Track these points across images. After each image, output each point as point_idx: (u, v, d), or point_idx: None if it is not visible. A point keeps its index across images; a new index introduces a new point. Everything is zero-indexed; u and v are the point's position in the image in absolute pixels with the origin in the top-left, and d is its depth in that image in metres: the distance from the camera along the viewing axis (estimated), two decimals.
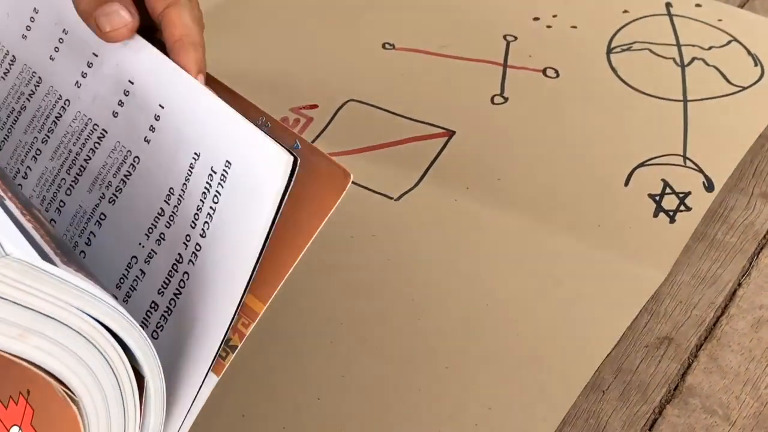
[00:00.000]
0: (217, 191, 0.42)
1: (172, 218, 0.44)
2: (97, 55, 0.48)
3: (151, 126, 0.45)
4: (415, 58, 0.86)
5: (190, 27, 0.47)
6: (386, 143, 0.77)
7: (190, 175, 0.43)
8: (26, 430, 0.42)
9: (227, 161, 0.42)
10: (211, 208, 0.42)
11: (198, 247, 0.42)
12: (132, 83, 0.47)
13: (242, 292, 0.41)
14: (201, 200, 0.42)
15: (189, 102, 0.44)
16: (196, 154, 0.43)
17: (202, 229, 0.42)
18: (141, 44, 0.47)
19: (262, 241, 0.40)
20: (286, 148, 0.40)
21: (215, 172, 0.42)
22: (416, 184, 0.73)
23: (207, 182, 0.42)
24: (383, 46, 0.87)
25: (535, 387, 0.58)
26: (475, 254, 0.67)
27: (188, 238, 0.43)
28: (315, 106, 0.80)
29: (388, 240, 0.68)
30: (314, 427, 0.56)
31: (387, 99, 0.81)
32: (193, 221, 0.43)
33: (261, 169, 0.40)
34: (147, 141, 0.45)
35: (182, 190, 0.43)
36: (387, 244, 0.68)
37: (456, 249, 0.67)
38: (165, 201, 0.44)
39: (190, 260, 0.43)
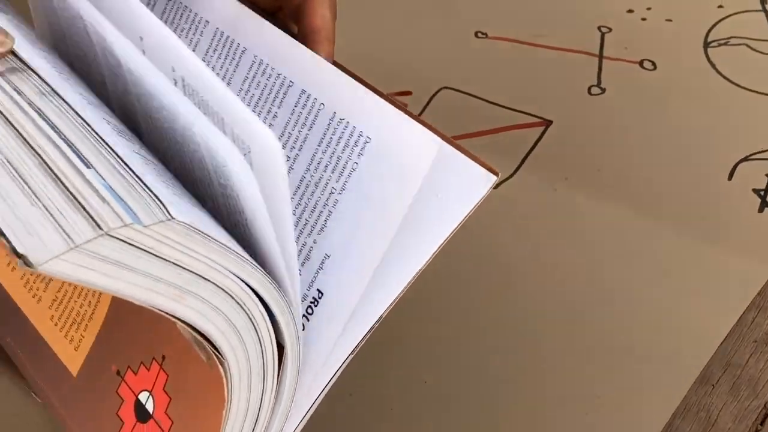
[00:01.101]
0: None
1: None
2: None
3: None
4: (508, 47, 0.85)
5: (327, 20, 0.48)
6: (482, 131, 0.76)
7: None
8: (158, 395, 0.42)
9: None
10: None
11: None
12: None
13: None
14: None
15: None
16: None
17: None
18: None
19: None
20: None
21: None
22: (514, 173, 0.72)
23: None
24: (476, 34, 0.87)
25: (644, 379, 0.57)
26: (578, 244, 0.66)
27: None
28: (408, 93, 0.80)
29: (487, 229, 0.68)
30: (421, 410, 0.56)
31: (481, 87, 0.80)
32: None
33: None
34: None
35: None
36: (485, 232, 0.67)
37: (557, 239, 0.67)
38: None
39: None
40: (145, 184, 0.35)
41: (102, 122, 0.39)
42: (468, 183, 0.42)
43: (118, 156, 0.36)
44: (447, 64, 0.83)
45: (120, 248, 0.32)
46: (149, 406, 0.42)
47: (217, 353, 0.36)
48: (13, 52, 0.41)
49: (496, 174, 0.42)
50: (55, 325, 0.48)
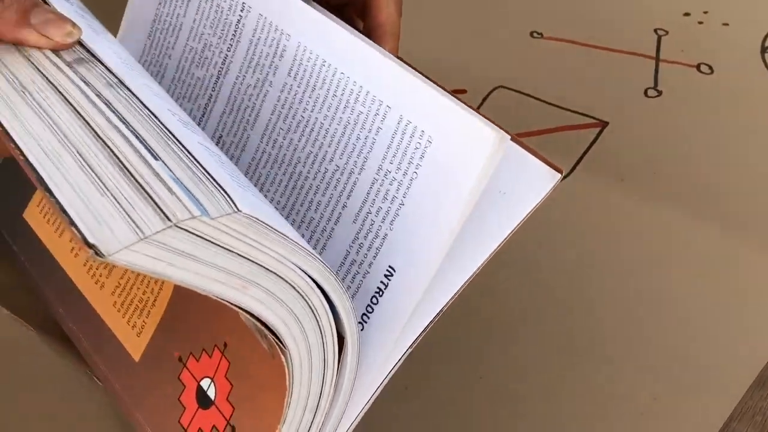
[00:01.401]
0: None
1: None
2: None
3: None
4: (564, 47, 0.85)
5: (393, 15, 0.49)
6: (537, 131, 0.76)
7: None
8: (219, 382, 0.43)
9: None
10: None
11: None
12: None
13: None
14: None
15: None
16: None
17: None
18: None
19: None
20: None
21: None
22: (569, 173, 0.73)
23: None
24: (531, 34, 0.87)
25: (700, 381, 0.57)
26: (633, 246, 0.66)
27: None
28: (464, 91, 0.80)
29: (542, 228, 0.68)
30: (475, 405, 0.56)
31: (536, 87, 0.81)
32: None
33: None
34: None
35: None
36: (540, 231, 0.68)
37: (612, 239, 0.67)
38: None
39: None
40: (211, 176, 0.35)
41: (167, 113, 0.40)
42: (532, 180, 0.43)
43: (185, 147, 0.37)
44: (502, 64, 0.84)
45: (187, 239, 0.33)
46: (211, 393, 0.43)
47: (278, 342, 0.37)
48: (80, 43, 0.42)
49: (560, 171, 0.43)
50: (118, 311, 0.49)
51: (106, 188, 0.34)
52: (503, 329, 0.61)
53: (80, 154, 0.35)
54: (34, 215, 0.57)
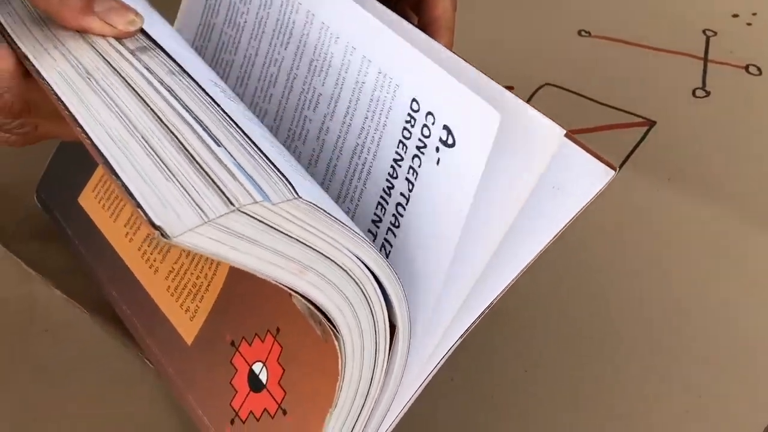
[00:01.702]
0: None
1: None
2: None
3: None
4: (612, 46, 0.85)
5: (448, 9, 0.49)
6: (584, 129, 0.77)
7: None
8: (272, 367, 0.44)
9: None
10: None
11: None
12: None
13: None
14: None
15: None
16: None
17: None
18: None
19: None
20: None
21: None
22: (617, 171, 0.73)
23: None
24: (579, 33, 0.87)
25: (746, 381, 0.57)
26: (683, 246, 0.66)
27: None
28: (511, 88, 0.80)
29: (587, 225, 0.68)
30: (519, 399, 0.57)
31: (583, 85, 0.81)
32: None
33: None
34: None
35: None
36: (586, 229, 0.68)
37: (658, 239, 0.67)
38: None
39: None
40: (272, 163, 0.36)
41: (228, 102, 0.41)
42: (586, 176, 0.43)
43: (245, 134, 0.38)
44: (549, 61, 0.84)
45: (249, 224, 0.34)
46: (263, 377, 0.44)
47: (332, 327, 0.38)
48: (142, 31, 0.43)
49: (614, 169, 0.43)
50: (172, 295, 0.50)
51: (171, 173, 0.35)
52: (550, 325, 0.61)
53: (145, 140, 0.36)
54: (88, 200, 0.58)
